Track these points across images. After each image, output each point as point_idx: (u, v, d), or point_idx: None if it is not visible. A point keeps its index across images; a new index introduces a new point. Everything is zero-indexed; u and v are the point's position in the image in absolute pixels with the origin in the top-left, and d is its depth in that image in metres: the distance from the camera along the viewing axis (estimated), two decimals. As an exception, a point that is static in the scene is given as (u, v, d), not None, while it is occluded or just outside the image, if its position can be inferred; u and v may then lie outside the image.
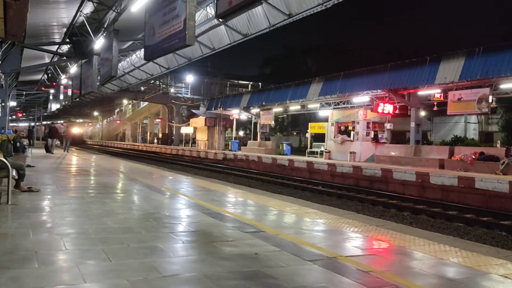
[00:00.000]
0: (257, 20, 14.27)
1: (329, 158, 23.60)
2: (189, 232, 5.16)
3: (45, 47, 20.70)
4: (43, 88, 37.31)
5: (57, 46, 21.49)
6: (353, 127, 23.59)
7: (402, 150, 20.31)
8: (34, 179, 9.78)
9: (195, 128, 40.09)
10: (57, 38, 20.66)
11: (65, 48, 22.57)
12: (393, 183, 15.93)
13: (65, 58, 24.03)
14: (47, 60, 24.94)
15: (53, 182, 9.61)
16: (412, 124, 20.11)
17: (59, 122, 68.10)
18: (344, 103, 24.48)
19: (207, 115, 36.24)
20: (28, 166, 11.99)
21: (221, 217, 6.11)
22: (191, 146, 41.18)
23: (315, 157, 25.35)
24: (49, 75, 33.05)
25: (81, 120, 79.17)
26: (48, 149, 21.92)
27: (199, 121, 37.62)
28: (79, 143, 60.11)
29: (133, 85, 34.87)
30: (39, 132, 47.73)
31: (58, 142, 24.73)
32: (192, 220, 5.90)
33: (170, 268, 3.69)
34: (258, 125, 32.23)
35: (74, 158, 18.93)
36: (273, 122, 32.79)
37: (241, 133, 53.50)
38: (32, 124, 53.22)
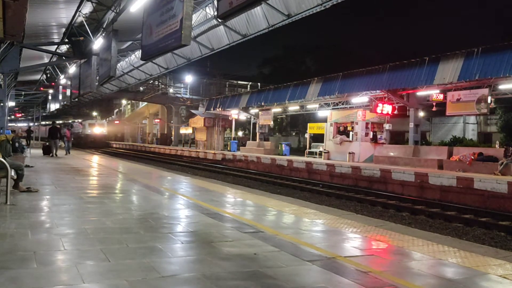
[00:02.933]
0: (256, 20, 14.27)
1: (328, 159, 23.61)
2: (188, 232, 5.16)
3: (44, 47, 20.66)
4: (42, 88, 37.24)
5: (56, 46, 21.45)
6: (352, 128, 23.60)
7: (401, 150, 20.32)
8: (33, 179, 9.77)
9: (194, 129, 40.07)
10: (56, 38, 20.63)
11: (64, 48, 22.53)
12: (392, 184, 15.94)
13: (64, 58, 23.98)
14: (46, 60, 24.89)
15: (52, 182, 9.59)
16: (411, 125, 20.12)
17: (76, 121, 57.88)
18: (343, 104, 24.50)
19: (206, 116, 36.22)
20: (27, 166, 11.97)
21: (220, 218, 6.11)
22: (190, 147, 41.12)
23: (314, 157, 25.35)
24: (48, 75, 33.01)
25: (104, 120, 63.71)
26: (47, 151, 20.16)
27: (198, 122, 37.61)
28: (102, 146, 48.34)
29: (132, 85, 34.81)
30: (44, 133, 46.67)
31: (61, 143, 22.60)
32: (191, 220, 5.90)
33: (169, 269, 3.69)
34: (257, 126, 32.22)
35: (74, 159, 18.90)
36: (272, 123, 32.78)
37: (240, 133, 53.50)
38: (31, 124, 53.14)
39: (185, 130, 42.86)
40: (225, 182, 14.49)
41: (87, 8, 15.89)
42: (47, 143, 20.94)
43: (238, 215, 6.40)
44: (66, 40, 19.79)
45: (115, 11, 15.02)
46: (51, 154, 19.72)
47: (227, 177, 20.19)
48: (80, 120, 56.61)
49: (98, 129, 52.12)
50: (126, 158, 27.70)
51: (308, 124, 29.38)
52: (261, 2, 9.65)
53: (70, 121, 56.99)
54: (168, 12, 9.98)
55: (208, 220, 5.90)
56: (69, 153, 21.98)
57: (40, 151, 21.72)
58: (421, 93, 19.32)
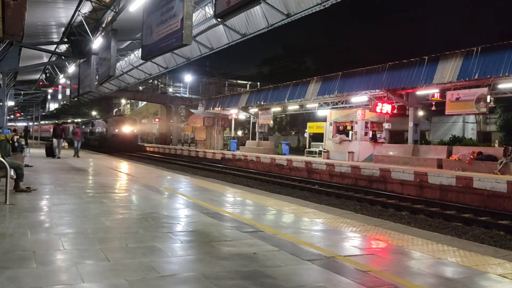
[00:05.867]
0: (255, 20, 14.26)
1: (328, 158, 23.61)
2: (187, 232, 5.16)
3: (43, 47, 20.64)
4: (41, 83, 37.03)
5: (55, 45, 21.44)
6: (352, 127, 23.61)
7: (401, 149, 20.33)
8: (32, 179, 9.76)
9: (193, 128, 39.98)
10: (55, 37, 20.62)
11: (63, 47, 22.52)
12: (392, 183, 15.94)
13: (63, 57, 23.96)
14: (45, 60, 24.88)
15: (51, 182, 9.59)
16: (410, 124, 20.13)
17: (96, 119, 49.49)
18: (342, 103, 24.50)
19: (206, 115, 36.21)
20: (26, 166, 11.96)
21: (220, 217, 6.11)
22: (189, 146, 41.04)
23: (314, 156, 25.36)
24: (47, 74, 32.99)
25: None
26: (50, 152, 18.57)
27: (197, 121, 37.57)
28: (131, 149, 38.33)
29: (131, 85, 34.82)
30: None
31: (65, 144, 20.39)
32: (191, 220, 5.90)
33: (169, 268, 3.69)
34: (256, 125, 32.23)
35: (75, 159, 18.85)
36: (271, 122, 32.79)
37: (239, 133, 53.51)
38: (31, 123, 53.02)
39: (184, 130, 42.81)
40: (225, 182, 14.49)
41: (86, 8, 15.88)
42: (51, 143, 19.18)
43: (237, 215, 6.40)
44: (66, 40, 19.77)
45: (114, 10, 15.00)
46: (55, 156, 18.25)
47: (227, 176, 20.19)
48: (57, 119, 46.47)
49: (128, 127, 40.56)
50: (125, 158, 27.67)
51: (308, 123, 29.40)
52: (259, 1, 9.65)
53: (99, 118, 51.96)
54: (168, 12, 9.97)
55: (208, 219, 5.90)
56: (77, 155, 19.53)
57: (40, 151, 21.58)
58: (420, 92, 19.33)
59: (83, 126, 46.59)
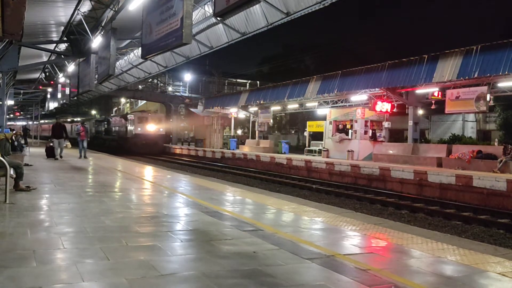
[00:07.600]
0: (255, 18, 14.24)
1: (327, 157, 23.62)
2: (187, 230, 5.17)
3: (42, 46, 20.64)
4: (40, 87, 37.09)
5: (54, 44, 21.42)
6: (351, 126, 23.62)
7: (400, 148, 20.33)
8: (32, 178, 9.76)
9: (193, 127, 39.92)
10: (55, 36, 20.60)
11: (62, 46, 22.49)
12: (391, 182, 15.95)
13: (62, 56, 23.93)
14: (44, 59, 24.87)
15: (51, 181, 9.59)
16: (410, 123, 20.12)
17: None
18: (342, 102, 24.49)
19: (205, 114, 36.18)
20: (26, 165, 11.96)
21: (219, 216, 6.11)
22: (189, 145, 41.03)
23: (313, 155, 25.36)
24: (47, 73, 32.97)
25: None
26: (51, 153, 17.38)
27: (197, 120, 37.46)
28: (156, 152, 34.44)
29: (131, 84, 34.76)
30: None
31: (67, 143, 18.98)
32: (190, 218, 5.90)
33: (168, 267, 3.69)
34: (256, 124, 32.23)
35: (76, 159, 18.81)
36: (271, 121, 32.76)
37: (239, 131, 53.48)
38: (30, 122, 52.94)
39: (184, 129, 42.77)
40: (224, 181, 14.49)
41: (85, 7, 15.87)
42: (51, 144, 17.88)
43: (237, 213, 6.40)
44: (65, 39, 19.75)
45: (113, 9, 14.98)
46: (56, 157, 17.02)
47: (226, 175, 20.20)
48: (56, 117, 35.30)
49: (152, 126, 35.57)
50: (124, 157, 27.64)
51: (307, 122, 29.40)
52: (259, 0, 9.63)
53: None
54: (168, 11, 9.97)
55: (208, 218, 5.90)
56: (85, 157, 18.22)
57: (40, 150, 21.52)
58: (420, 91, 19.31)
59: (96, 125, 45.47)
